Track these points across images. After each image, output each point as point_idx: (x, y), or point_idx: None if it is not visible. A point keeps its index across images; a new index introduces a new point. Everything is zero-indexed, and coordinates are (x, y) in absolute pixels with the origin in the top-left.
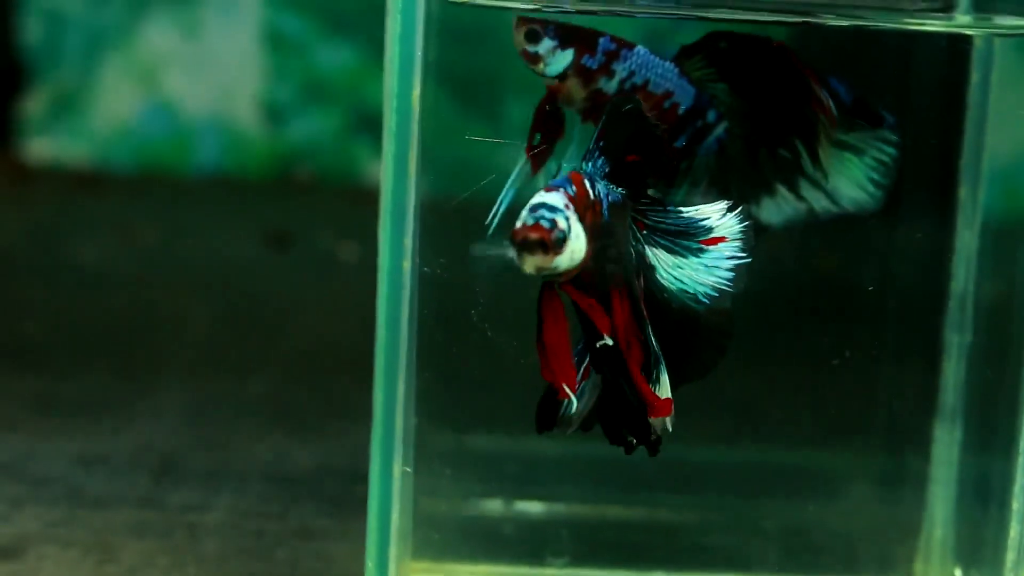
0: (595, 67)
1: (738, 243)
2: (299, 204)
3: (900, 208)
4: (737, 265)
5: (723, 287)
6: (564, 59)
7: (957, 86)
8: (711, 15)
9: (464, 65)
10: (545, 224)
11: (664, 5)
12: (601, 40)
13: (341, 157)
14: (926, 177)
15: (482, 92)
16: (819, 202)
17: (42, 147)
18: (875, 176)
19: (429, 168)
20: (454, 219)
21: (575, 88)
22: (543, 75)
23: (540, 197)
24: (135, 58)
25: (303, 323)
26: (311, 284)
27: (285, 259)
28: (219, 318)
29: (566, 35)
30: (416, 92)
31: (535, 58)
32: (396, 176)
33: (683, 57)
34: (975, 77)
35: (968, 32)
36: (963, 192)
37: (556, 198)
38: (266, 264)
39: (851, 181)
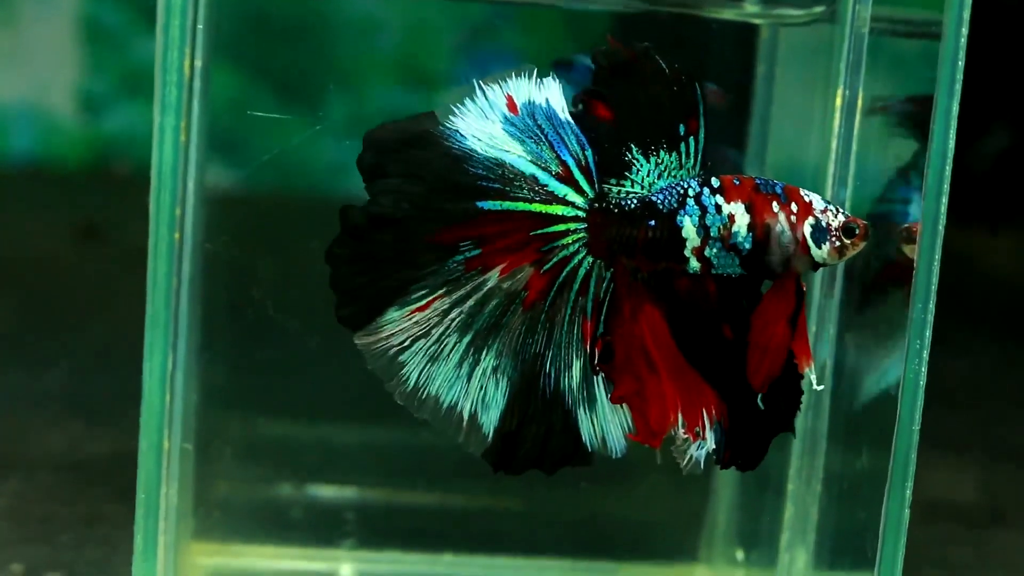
0: None
1: None
2: (114, 196)
3: None
4: None
5: None
6: None
7: (745, 77)
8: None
9: (278, 57)
10: None
11: None
12: None
13: None
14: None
15: (296, 84)
16: None
17: None
18: None
19: (231, 157)
20: (247, 206)
21: None
22: None
23: (816, 195)
24: None
25: (108, 315)
26: (119, 277)
27: (96, 251)
28: (22, 310)
29: None
30: (192, 64)
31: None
32: (172, 148)
33: None
34: (761, 68)
35: (755, 21)
36: None
37: None
38: (76, 256)
39: None
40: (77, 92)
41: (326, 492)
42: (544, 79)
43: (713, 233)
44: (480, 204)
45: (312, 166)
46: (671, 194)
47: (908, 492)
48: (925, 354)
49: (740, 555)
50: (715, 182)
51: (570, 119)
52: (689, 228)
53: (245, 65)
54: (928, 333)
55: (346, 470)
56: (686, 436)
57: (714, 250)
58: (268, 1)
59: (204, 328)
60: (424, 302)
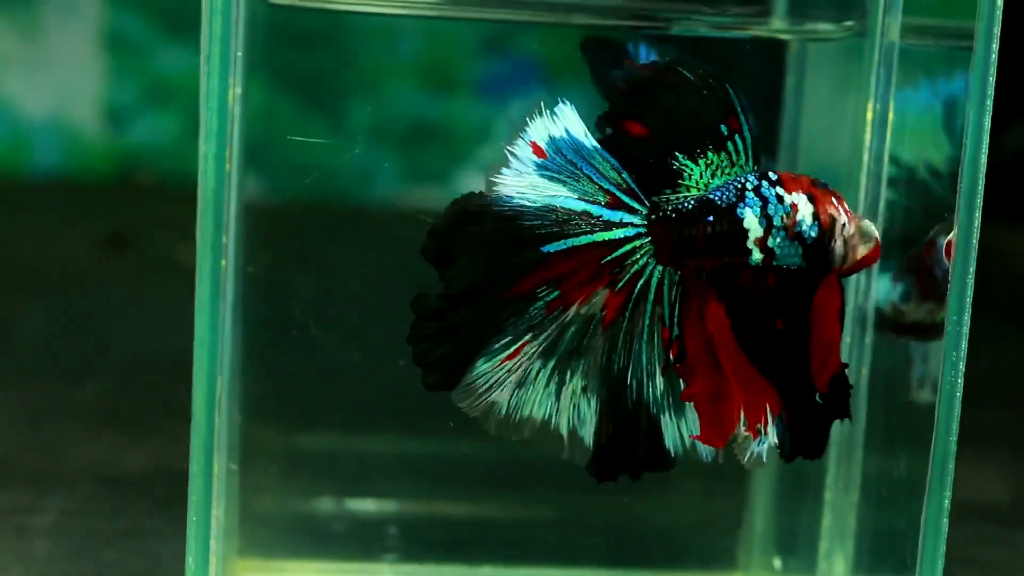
0: None
1: None
2: (139, 207)
3: None
4: None
5: None
6: None
7: (774, 89)
8: (543, 19)
9: (304, 68)
10: None
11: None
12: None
13: (182, 160)
14: None
15: (323, 94)
16: None
17: None
18: None
19: (263, 169)
20: (281, 219)
21: None
22: None
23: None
24: None
25: (139, 326)
26: (148, 287)
27: (123, 262)
28: (54, 322)
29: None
30: (234, 91)
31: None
32: (216, 175)
33: None
34: (790, 80)
35: (783, 37)
36: None
37: None
38: (104, 267)
39: None
40: (101, 104)
41: (367, 506)
42: (555, 108)
43: (776, 222)
44: (544, 248)
45: (346, 178)
46: (728, 190)
47: (946, 501)
48: (961, 366)
49: (778, 563)
50: (772, 175)
51: (596, 143)
52: (751, 219)
53: (282, 81)
54: (964, 345)
55: (387, 484)
56: (747, 433)
57: (778, 239)
58: (302, 18)
59: (247, 347)
60: (512, 350)
